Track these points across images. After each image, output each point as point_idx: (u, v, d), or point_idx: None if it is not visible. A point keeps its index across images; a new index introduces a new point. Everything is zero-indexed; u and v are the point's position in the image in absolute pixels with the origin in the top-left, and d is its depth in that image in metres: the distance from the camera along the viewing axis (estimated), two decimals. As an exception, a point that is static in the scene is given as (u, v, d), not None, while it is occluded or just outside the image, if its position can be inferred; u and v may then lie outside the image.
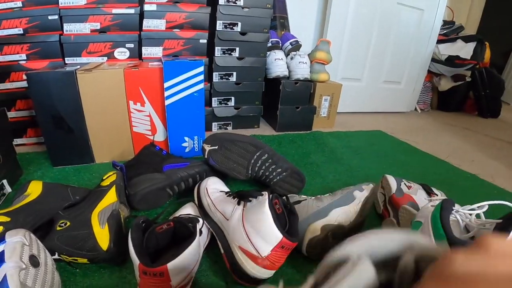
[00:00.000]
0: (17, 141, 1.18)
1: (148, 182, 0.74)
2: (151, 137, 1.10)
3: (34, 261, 0.48)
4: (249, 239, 0.56)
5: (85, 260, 0.58)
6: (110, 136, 1.05)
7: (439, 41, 2.28)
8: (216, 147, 0.79)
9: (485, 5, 2.99)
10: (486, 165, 1.33)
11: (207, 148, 0.79)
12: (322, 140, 1.42)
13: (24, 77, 1.04)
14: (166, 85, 1.03)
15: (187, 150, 1.14)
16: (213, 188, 0.71)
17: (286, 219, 0.59)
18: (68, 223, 0.61)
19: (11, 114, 1.13)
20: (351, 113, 2.11)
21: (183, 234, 0.56)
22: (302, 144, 1.36)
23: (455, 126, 2.01)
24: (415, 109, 2.44)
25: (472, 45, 2.23)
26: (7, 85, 1.12)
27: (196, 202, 0.71)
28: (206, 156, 0.80)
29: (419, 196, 0.78)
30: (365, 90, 2.11)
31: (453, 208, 0.55)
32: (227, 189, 0.74)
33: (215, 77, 1.41)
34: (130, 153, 1.09)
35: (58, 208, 0.66)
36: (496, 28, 2.89)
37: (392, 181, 0.82)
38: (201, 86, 1.07)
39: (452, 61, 2.27)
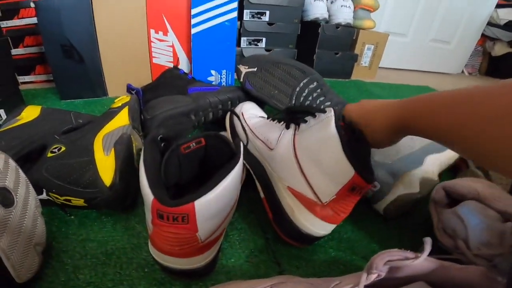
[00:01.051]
0: (24, 78, 1.08)
1: (169, 104, 0.59)
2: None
3: (4, 197, 0.33)
4: (304, 176, 0.39)
5: (81, 202, 0.42)
6: (126, 68, 0.92)
7: (499, 5, 2.13)
8: (255, 69, 0.64)
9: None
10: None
11: (244, 70, 0.64)
12: (365, 88, 1.28)
13: (32, 5, 0.92)
14: (193, 11, 0.89)
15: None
16: (250, 113, 0.56)
17: (355, 150, 0.40)
18: (63, 148, 0.46)
19: (18, 51, 1.04)
20: (392, 69, 1.94)
21: (219, 158, 0.39)
22: (343, 90, 1.22)
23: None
24: (462, 71, 2.23)
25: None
26: (16, 22, 1.02)
27: (229, 131, 0.56)
28: (241, 80, 0.65)
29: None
30: (410, 46, 1.93)
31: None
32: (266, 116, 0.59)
33: (246, 15, 1.24)
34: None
35: (54, 132, 0.51)
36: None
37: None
38: (234, 14, 0.92)
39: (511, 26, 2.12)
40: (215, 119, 0.66)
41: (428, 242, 0.26)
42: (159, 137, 0.39)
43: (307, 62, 1.38)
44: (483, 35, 2.19)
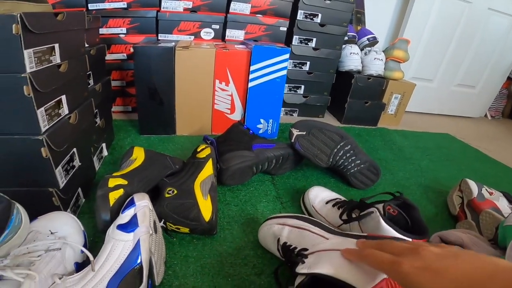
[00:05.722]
0: (108, 109, 1.30)
1: (240, 159, 0.80)
2: (230, 116, 1.17)
3: (155, 226, 0.52)
4: None
5: (187, 230, 0.61)
6: (193, 111, 1.13)
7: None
8: (304, 133, 0.84)
9: None
10: None
11: (296, 132, 0.84)
12: (389, 137, 1.42)
13: (131, 50, 1.13)
14: (252, 68, 1.08)
15: (261, 131, 1.20)
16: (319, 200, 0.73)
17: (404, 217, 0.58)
18: (175, 191, 0.65)
19: None
20: (417, 113, 2.06)
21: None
22: (368, 139, 1.37)
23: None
24: (485, 115, 2.32)
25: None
26: (107, 57, 1.23)
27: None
28: (292, 140, 0.85)
29: (502, 203, 0.78)
30: (435, 91, 2.05)
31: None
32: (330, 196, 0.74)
33: (290, 64, 1.45)
34: (207, 128, 1.17)
35: (162, 175, 0.71)
36: None
37: (473, 185, 0.82)
38: (284, 72, 1.11)
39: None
40: (267, 168, 0.86)
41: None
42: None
43: (339, 109, 1.58)
44: (508, 78, 2.23)
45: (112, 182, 0.61)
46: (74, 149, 0.66)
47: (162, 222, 0.61)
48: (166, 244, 0.62)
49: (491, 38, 1.97)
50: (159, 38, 1.26)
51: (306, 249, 0.48)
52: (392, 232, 0.52)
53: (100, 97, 0.86)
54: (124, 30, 1.22)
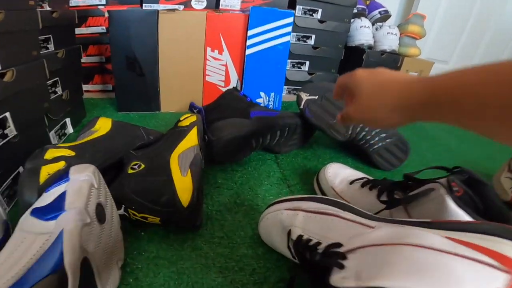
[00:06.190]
0: (83, 87, 1.14)
1: (234, 127, 0.61)
2: (224, 89, 0.99)
3: (100, 213, 0.35)
4: None
5: (157, 220, 0.44)
6: (181, 84, 0.96)
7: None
8: (316, 97, 0.65)
9: None
10: None
11: (305, 97, 0.66)
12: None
13: (106, 14, 0.98)
14: (250, 33, 0.91)
15: (261, 106, 1.03)
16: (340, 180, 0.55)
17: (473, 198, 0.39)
18: (143, 165, 0.48)
19: (82, 60, 1.10)
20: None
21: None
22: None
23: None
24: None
25: None
26: (83, 30, 1.07)
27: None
28: (301, 106, 0.67)
29: None
30: (451, 74, 1.87)
31: None
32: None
33: (292, 38, 1.27)
34: (197, 104, 0.99)
35: (129, 147, 0.54)
36: None
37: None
38: (287, 38, 0.94)
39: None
40: (270, 142, 0.68)
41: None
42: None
43: (349, 86, 1.39)
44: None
45: (51, 153, 0.43)
46: (7, 114, 0.48)
47: (122, 209, 0.43)
48: (129, 240, 0.45)
49: (509, 20, 1.80)
50: (144, 8, 1.09)
51: (339, 244, 0.30)
52: (464, 217, 0.34)
53: (60, 64, 0.71)
54: (103, 0, 1.05)
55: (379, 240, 0.27)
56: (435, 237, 0.25)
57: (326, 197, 0.40)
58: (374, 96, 0.37)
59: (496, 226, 0.25)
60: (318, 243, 0.32)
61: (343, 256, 0.28)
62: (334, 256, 0.28)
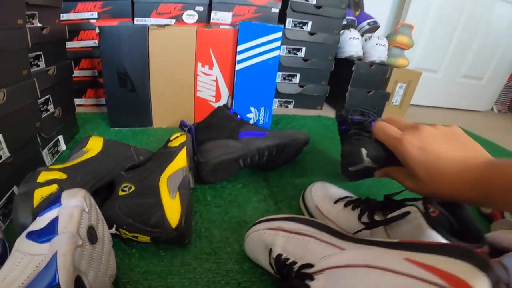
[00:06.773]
0: (76, 101, 1.15)
1: (222, 150, 0.63)
2: (215, 104, 1.01)
3: (92, 235, 0.37)
4: None
5: (147, 239, 0.46)
6: (172, 99, 0.98)
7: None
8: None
9: None
10: None
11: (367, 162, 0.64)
12: None
13: (97, 30, 1.00)
14: (239, 48, 0.93)
15: (251, 122, 1.05)
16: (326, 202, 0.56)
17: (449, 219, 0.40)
18: (133, 188, 0.50)
19: (74, 74, 1.12)
20: (421, 106, 1.93)
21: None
22: (374, 132, 1.21)
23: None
24: (492, 109, 2.20)
25: None
26: (74, 44, 1.08)
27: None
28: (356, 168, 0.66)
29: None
30: (440, 83, 1.92)
31: None
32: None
33: (283, 50, 1.30)
34: (189, 119, 1.00)
35: (120, 168, 0.56)
36: None
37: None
38: (277, 53, 0.96)
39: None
40: (258, 162, 0.70)
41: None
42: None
43: (339, 99, 1.42)
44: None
45: (44, 176, 0.45)
46: None
47: (114, 228, 0.45)
48: (120, 257, 0.47)
49: (497, 26, 1.85)
50: (136, 22, 1.11)
51: (310, 265, 0.32)
52: (438, 238, 0.36)
53: (52, 82, 0.72)
54: (95, 14, 1.07)
55: (344, 261, 0.29)
56: (394, 259, 0.27)
57: (307, 217, 0.42)
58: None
59: (452, 247, 0.27)
60: (294, 263, 0.34)
61: (311, 277, 0.30)
62: (304, 276, 0.30)
